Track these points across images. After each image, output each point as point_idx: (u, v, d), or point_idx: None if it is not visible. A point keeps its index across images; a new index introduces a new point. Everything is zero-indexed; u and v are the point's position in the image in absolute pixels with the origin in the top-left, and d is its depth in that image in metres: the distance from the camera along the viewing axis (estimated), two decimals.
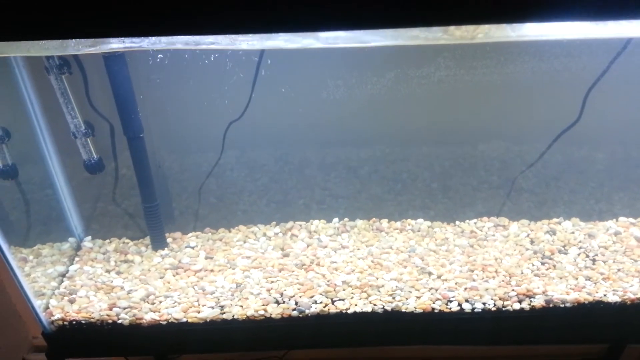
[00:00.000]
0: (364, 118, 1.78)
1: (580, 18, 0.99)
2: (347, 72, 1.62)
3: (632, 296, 1.55)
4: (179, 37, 1.16)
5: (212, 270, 1.70)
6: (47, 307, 1.59)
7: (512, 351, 2.08)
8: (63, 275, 1.70)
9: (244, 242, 1.82)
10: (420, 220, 1.87)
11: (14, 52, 1.34)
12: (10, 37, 1.02)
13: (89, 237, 1.84)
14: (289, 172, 1.94)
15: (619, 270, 1.63)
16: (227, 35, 1.17)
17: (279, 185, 1.95)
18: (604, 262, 1.67)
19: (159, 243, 1.78)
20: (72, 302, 1.60)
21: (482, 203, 1.90)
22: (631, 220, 1.83)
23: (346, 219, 1.89)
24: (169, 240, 1.82)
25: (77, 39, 1.12)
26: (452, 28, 1.09)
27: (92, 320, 1.55)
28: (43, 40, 1.08)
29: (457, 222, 1.86)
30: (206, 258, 1.75)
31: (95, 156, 1.63)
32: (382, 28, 1.06)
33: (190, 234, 1.86)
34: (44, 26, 0.99)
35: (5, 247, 1.44)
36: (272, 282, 1.65)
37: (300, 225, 1.88)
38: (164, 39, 1.13)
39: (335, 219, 1.89)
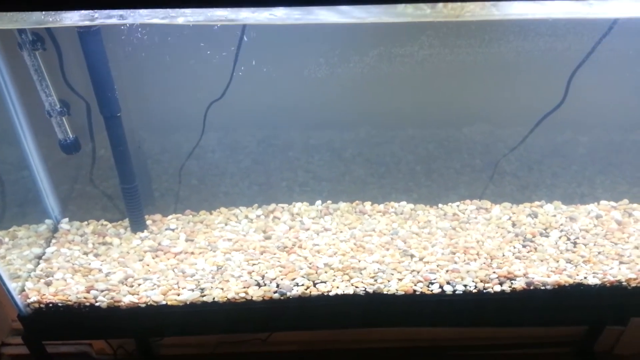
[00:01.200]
0: (348, 99, 1.75)
1: None
2: (329, 50, 1.59)
3: (612, 279, 1.56)
4: (155, 10, 1.13)
5: (192, 253, 1.68)
6: (22, 290, 1.55)
7: (493, 333, 2.10)
8: (39, 257, 1.66)
9: (225, 224, 1.80)
10: (404, 203, 1.86)
11: None
12: None
13: (66, 219, 1.80)
14: (272, 154, 1.92)
15: (599, 253, 1.64)
16: (206, 9, 1.14)
17: (261, 167, 1.92)
18: (585, 245, 1.68)
19: (138, 225, 1.75)
20: (48, 284, 1.57)
21: (465, 186, 1.89)
22: (612, 204, 1.84)
23: (329, 202, 1.87)
24: (148, 222, 1.79)
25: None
26: (439, 5, 1.07)
27: (69, 302, 1.52)
28: (10, 11, 1.04)
29: (440, 205, 1.85)
30: (186, 240, 1.73)
31: (71, 136, 1.59)
32: (367, 4, 1.04)
33: (170, 216, 1.83)
34: None
35: None
36: (254, 264, 1.63)
37: (283, 208, 1.86)
38: (140, 12, 1.10)
39: (318, 202, 1.87)
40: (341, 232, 1.75)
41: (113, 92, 1.50)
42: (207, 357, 2.23)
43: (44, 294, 1.54)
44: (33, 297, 1.53)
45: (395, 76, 1.63)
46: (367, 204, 1.87)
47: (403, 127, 1.89)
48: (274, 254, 1.67)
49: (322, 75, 1.63)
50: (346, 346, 2.20)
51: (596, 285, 1.56)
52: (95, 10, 1.08)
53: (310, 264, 1.62)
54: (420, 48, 1.52)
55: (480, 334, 1.93)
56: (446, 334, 2.01)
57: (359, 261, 1.63)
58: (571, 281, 1.56)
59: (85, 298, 1.53)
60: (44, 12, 1.09)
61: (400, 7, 1.07)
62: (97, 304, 1.53)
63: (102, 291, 1.54)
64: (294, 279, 1.58)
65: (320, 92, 1.72)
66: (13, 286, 1.52)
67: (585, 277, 1.57)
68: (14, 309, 1.55)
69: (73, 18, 1.10)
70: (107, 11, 1.12)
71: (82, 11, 1.10)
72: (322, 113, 1.82)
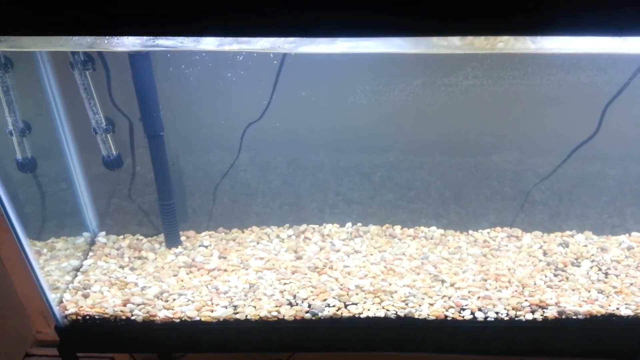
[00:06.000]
0: (379, 125, 1.79)
1: (599, 33, 1.00)
2: (366, 79, 1.63)
3: None
4: (209, 37, 1.17)
5: (225, 270, 1.71)
6: (60, 301, 1.59)
7: None
8: (77, 269, 1.70)
9: (257, 243, 1.82)
10: (433, 228, 1.88)
11: (45, 47, 1.35)
12: (39, 32, 1.03)
13: (103, 233, 1.84)
14: (302, 175, 1.95)
15: (631, 284, 1.64)
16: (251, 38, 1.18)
17: (292, 188, 1.95)
18: (617, 275, 1.67)
19: (173, 241, 1.79)
20: (86, 296, 1.60)
21: (495, 213, 1.90)
22: None
23: (359, 224, 1.89)
24: (182, 238, 1.82)
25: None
26: (469, 37, 1.09)
27: (105, 315, 1.55)
28: (70, 36, 1.09)
29: (470, 231, 1.86)
30: (220, 257, 1.76)
31: (114, 152, 1.64)
32: (401, 36, 1.07)
33: (203, 233, 1.86)
34: (71, 23, 1.00)
35: (23, 239, 1.45)
36: (285, 284, 1.65)
37: (313, 229, 1.88)
38: (197, 39, 1.14)
39: (349, 224, 1.89)
40: (371, 254, 1.77)
41: (158, 112, 1.55)
42: None
43: (81, 306, 1.57)
44: (71, 309, 1.56)
45: (426, 105, 1.66)
46: (397, 228, 1.88)
47: (432, 153, 1.91)
48: (305, 274, 1.69)
49: (357, 102, 1.67)
50: None
51: (629, 316, 1.55)
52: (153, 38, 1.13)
53: (341, 285, 1.64)
54: (465, 78, 1.55)
55: None
56: None
57: (390, 284, 1.64)
58: (603, 312, 1.56)
59: (121, 311, 1.56)
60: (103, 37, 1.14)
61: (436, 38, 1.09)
62: (132, 318, 1.56)
63: (138, 305, 1.57)
64: (325, 300, 1.60)
65: (352, 118, 1.76)
66: (52, 297, 1.56)
67: (617, 308, 1.56)
68: (40, 320, 1.58)
69: (133, 44, 1.15)
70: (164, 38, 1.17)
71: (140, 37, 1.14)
72: (353, 137, 1.86)
